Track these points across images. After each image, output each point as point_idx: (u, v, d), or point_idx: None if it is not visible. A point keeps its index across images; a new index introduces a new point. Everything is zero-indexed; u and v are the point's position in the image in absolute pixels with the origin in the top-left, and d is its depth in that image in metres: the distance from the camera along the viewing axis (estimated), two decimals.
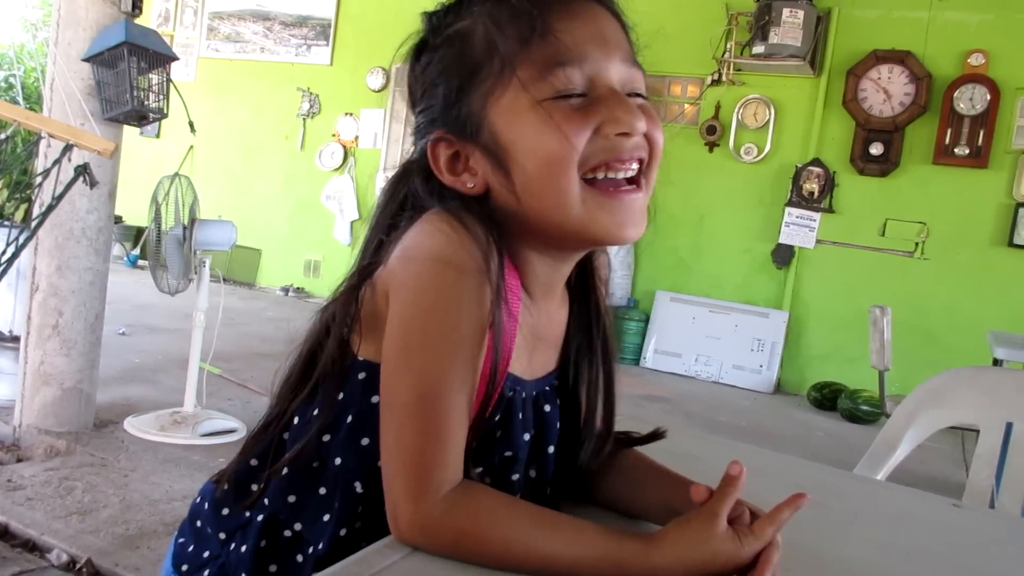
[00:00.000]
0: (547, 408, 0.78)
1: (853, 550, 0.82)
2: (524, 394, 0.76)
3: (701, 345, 5.78)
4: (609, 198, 0.70)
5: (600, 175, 0.70)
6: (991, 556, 0.86)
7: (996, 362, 3.24)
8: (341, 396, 0.75)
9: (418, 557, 0.64)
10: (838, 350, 5.53)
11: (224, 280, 4.09)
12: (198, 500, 0.85)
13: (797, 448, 4.26)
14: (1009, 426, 1.59)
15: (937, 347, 5.13)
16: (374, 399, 0.71)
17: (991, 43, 5.13)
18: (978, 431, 1.62)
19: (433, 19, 0.75)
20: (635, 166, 0.71)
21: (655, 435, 0.84)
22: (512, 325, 0.72)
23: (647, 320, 5.96)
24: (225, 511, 0.81)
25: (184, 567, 0.82)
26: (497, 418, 0.73)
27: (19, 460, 2.88)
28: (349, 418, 0.74)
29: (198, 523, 0.83)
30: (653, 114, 0.72)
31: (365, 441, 0.73)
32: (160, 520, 2.44)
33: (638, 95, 0.72)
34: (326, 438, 0.75)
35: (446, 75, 0.73)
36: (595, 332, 0.82)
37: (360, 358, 0.74)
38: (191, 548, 0.83)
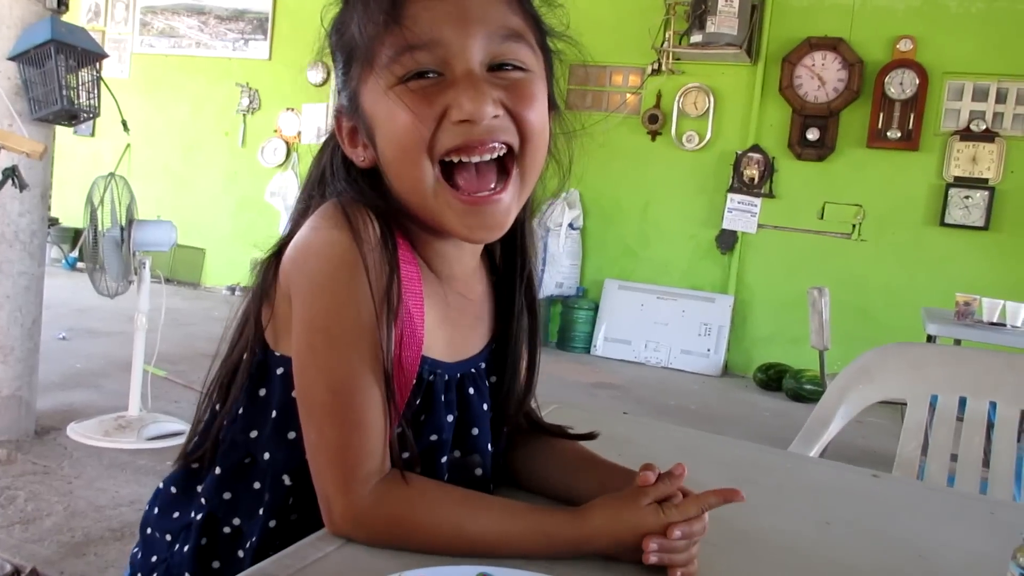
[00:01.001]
0: (471, 390, 0.79)
1: (773, 521, 0.86)
2: (447, 376, 0.76)
3: (650, 331, 5.87)
4: (460, 202, 0.70)
5: (455, 159, 0.69)
6: (905, 522, 0.91)
7: (929, 338, 3.36)
8: (263, 392, 0.76)
9: (351, 548, 0.66)
10: (782, 331, 5.66)
11: (168, 281, 4.02)
12: (147, 507, 0.85)
13: (744, 428, 4.37)
14: (934, 398, 1.66)
15: (875, 325, 5.28)
16: (294, 393, 0.72)
17: (918, 29, 5.29)
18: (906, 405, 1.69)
19: None
20: (497, 147, 0.69)
21: (588, 435, 0.85)
22: (417, 308, 0.72)
23: (596, 308, 6.03)
24: (175, 514, 0.81)
25: (138, 575, 0.82)
26: (418, 402, 0.74)
27: None
28: (273, 413, 0.74)
29: (148, 530, 0.84)
30: (527, 92, 0.70)
31: (291, 435, 0.73)
32: (107, 527, 2.41)
33: (517, 67, 0.70)
34: (253, 434, 0.76)
35: (338, 49, 0.75)
36: (517, 303, 0.82)
37: (277, 353, 0.75)
38: (141, 556, 0.83)
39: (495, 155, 0.70)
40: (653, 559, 0.66)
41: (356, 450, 0.67)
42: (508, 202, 0.71)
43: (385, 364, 0.68)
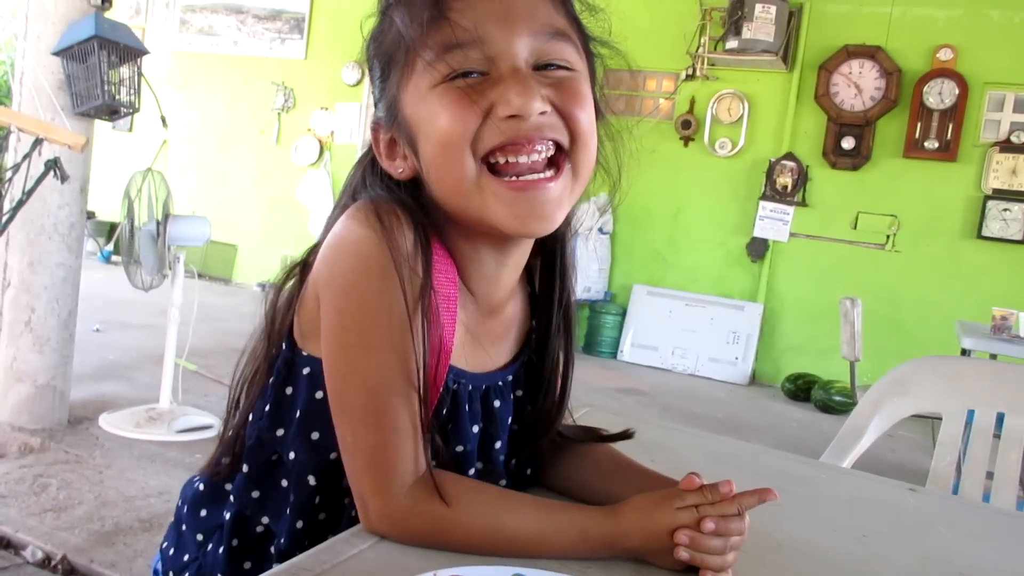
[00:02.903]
0: (496, 403, 0.78)
1: (808, 533, 0.85)
2: (470, 387, 0.75)
3: (677, 338, 5.83)
4: (507, 188, 0.67)
5: (501, 159, 0.67)
6: (943, 538, 0.89)
7: (964, 351, 3.31)
8: (289, 391, 0.75)
9: (386, 545, 0.66)
10: (812, 342, 5.60)
11: (200, 276, 4.07)
12: (179, 503, 0.85)
13: (771, 438, 4.32)
14: (970, 414, 1.63)
15: (907, 338, 5.21)
16: (318, 394, 0.72)
17: (959, 38, 5.20)
18: (941, 419, 1.66)
19: (378, 6, 0.75)
20: (544, 148, 0.67)
21: (624, 435, 0.84)
22: (450, 315, 0.71)
23: (624, 314, 6.00)
24: (203, 512, 0.82)
25: (169, 572, 0.82)
26: (444, 411, 0.73)
27: None
28: (298, 413, 0.74)
29: (182, 527, 0.83)
30: (574, 89, 0.68)
31: (315, 435, 0.73)
32: (136, 516, 2.44)
33: (561, 67, 0.68)
34: (280, 432, 0.75)
35: (376, 59, 0.74)
36: (554, 324, 0.81)
37: (304, 353, 0.74)
38: (172, 552, 0.83)
39: (544, 155, 0.68)
40: (684, 555, 0.65)
41: (392, 452, 0.66)
42: (559, 192, 0.68)
43: (419, 366, 0.67)
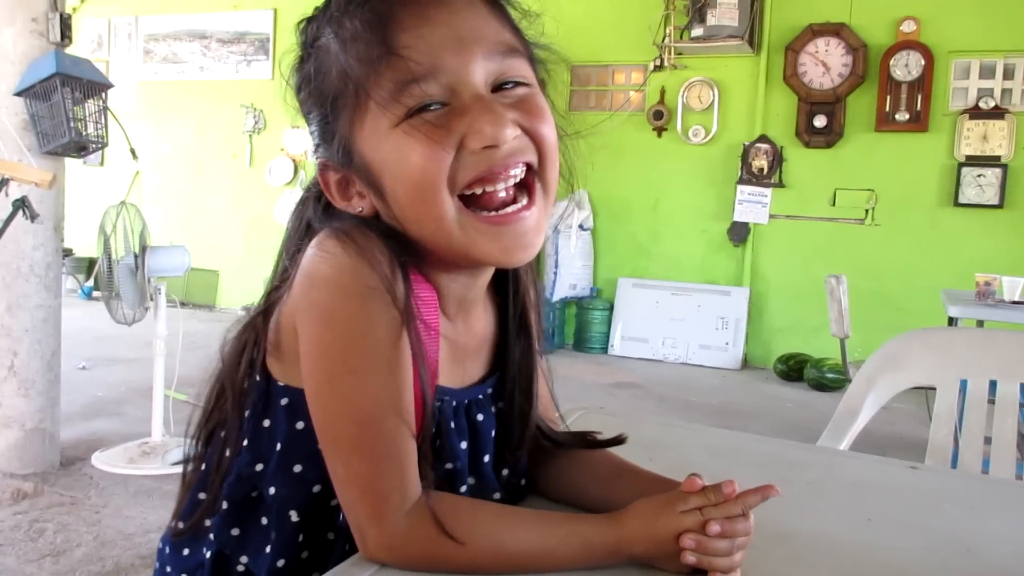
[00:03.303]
0: (480, 417, 0.77)
1: (814, 521, 0.84)
2: (455, 403, 0.74)
3: (666, 328, 5.84)
4: (489, 224, 0.66)
5: (477, 190, 0.66)
6: (949, 515, 0.89)
7: (951, 320, 3.33)
8: (267, 423, 0.73)
9: (386, 573, 0.65)
10: (800, 321, 5.62)
11: (183, 304, 4.04)
12: (160, 546, 0.83)
13: (768, 421, 4.33)
14: (963, 383, 1.64)
15: (894, 310, 5.24)
16: (299, 425, 0.70)
17: (921, 9, 5.24)
18: (935, 390, 1.66)
19: (299, 33, 0.71)
20: (518, 171, 0.67)
21: (616, 440, 0.83)
22: (433, 337, 0.70)
23: (611, 308, 6.00)
24: (185, 551, 0.79)
25: None
26: (432, 429, 0.71)
27: None
28: (278, 446, 0.71)
29: (167, 568, 0.81)
30: (537, 106, 0.67)
31: (297, 468, 0.71)
32: (136, 554, 2.41)
33: (519, 83, 0.67)
34: (259, 467, 0.73)
35: (315, 98, 0.69)
36: (511, 330, 0.80)
37: (281, 384, 0.72)
38: None
39: (517, 178, 0.67)
40: (691, 559, 0.64)
41: (387, 479, 0.65)
42: (537, 219, 0.68)
43: (408, 387, 0.66)
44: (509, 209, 0.67)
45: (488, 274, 0.77)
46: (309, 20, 0.70)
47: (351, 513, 0.66)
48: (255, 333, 0.73)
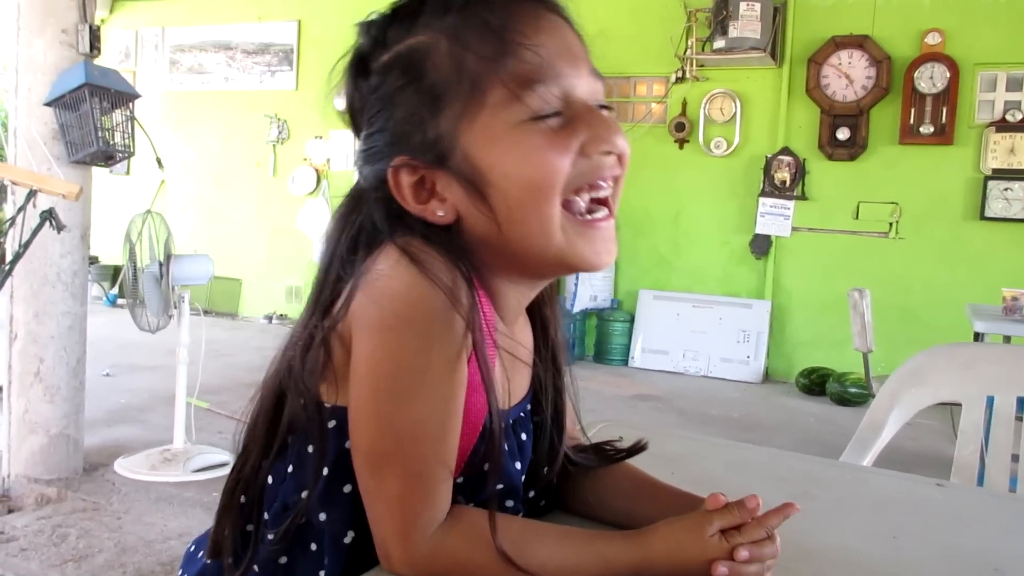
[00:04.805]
0: (523, 436, 0.76)
1: (838, 538, 0.83)
2: (504, 423, 0.73)
3: (687, 340, 5.81)
4: (586, 227, 0.68)
5: (580, 197, 0.67)
6: (976, 534, 0.88)
7: (977, 335, 3.28)
8: (311, 449, 0.70)
9: None
10: (823, 335, 5.57)
11: (206, 312, 4.07)
12: (182, 573, 0.81)
13: (789, 435, 4.29)
14: (990, 399, 1.61)
15: (918, 324, 5.18)
16: (347, 444, 0.68)
17: (946, 21, 5.20)
18: (961, 406, 1.64)
19: (374, 31, 0.70)
20: (609, 185, 0.69)
21: (637, 448, 0.82)
22: (494, 356, 0.69)
23: (632, 320, 5.98)
24: None
25: None
26: (483, 451, 0.70)
27: (10, 511, 2.85)
28: (326, 470, 0.69)
29: None
30: (621, 130, 0.70)
31: (347, 488, 0.69)
32: (156, 560, 2.43)
33: (604, 107, 0.69)
34: (304, 494, 0.69)
35: (405, 96, 0.67)
36: (546, 347, 0.80)
37: (328, 405, 0.70)
38: None
39: (609, 190, 0.69)
40: None
41: (417, 500, 0.64)
42: (613, 228, 0.71)
43: (451, 417, 0.65)
44: (599, 216, 0.69)
45: (541, 287, 0.77)
46: (387, 21, 0.69)
47: (376, 527, 0.66)
48: (306, 358, 0.69)
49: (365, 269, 0.66)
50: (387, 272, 0.64)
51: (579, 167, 0.66)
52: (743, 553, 0.64)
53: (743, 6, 5.25)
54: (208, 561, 0.77)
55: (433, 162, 0.67)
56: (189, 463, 3.12)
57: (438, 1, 0.67)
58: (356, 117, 0.72)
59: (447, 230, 0.68)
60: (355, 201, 0.73)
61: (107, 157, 2.93)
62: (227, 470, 0.77)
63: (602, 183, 0.68)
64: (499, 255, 0.69)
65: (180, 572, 0.83)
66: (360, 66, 0.70)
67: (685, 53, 5.69)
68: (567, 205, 0.67)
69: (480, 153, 0.65)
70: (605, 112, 0.69)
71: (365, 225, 0.70)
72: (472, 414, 0.68)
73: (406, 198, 0.68)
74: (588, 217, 0.68)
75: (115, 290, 7.34)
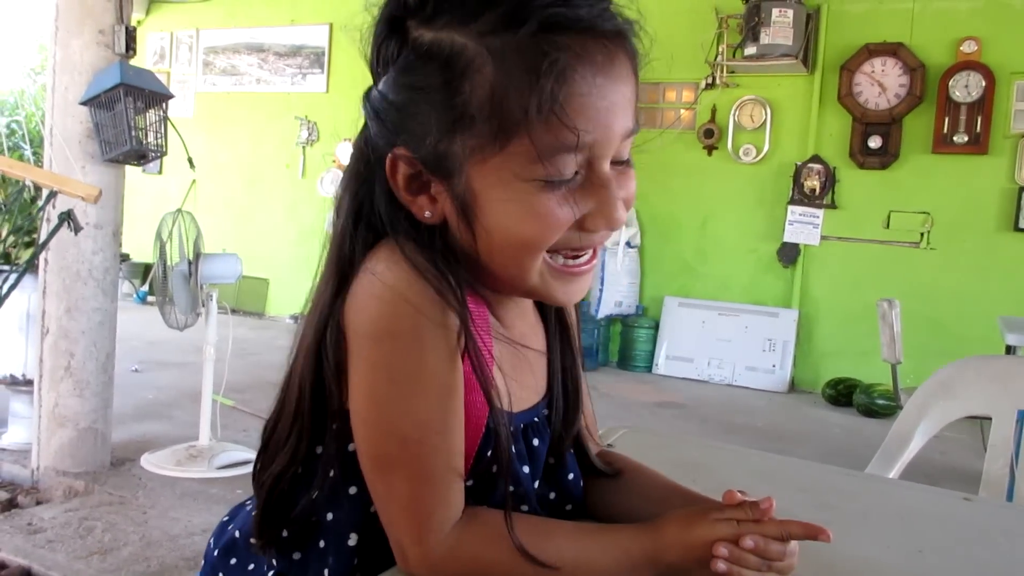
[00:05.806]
0: (536, 442, 0.76)
1: (862, 550, 0.82)
2: (512, 427, 0.73)
3: (712, 348, 5.77)
4: (564, 274, 0.68)
5: (561, 253, 0.67)
6: (1002, 549, 0.86)
7: (1008, 348, 3.23)
8: (319, 450, 0.71)
9: None
10: (850, 345, 5.51)
11: (233, 311, 4.11)
12: (210, 546, 0.83)
13: (814, 446, 4.24)
14: (1021, 413, 1.58)
15: (948, 336, 5.10)
16: (351, 447, 0.69)
17: (982, 29, 5.13)
18: (990, 419, 1.61)
19: (424, 23, 0.63)
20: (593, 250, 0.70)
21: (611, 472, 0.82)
22: (487, 355, 0.69)
23: (657, 327, 5.95)
24: (232, 560, 0.80)
25: None
26: (488, 453, 0.70)
27: (38, 503, 2.89)
28: (332, 472, 0.70)
29: (218, 574, 0.80)
30: (633, 188, 0.68)
31: (353, 490, 0.70)
32: (180, 556, 2.45)
33: (623, 162, 0.67)
34: (315, 494, 0.71)
35: (430, 97, 0.63)
36: (565, 351, 0.80)
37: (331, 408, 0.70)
38: None
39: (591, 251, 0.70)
40: (721, 567, 0.63)
41: (428, 501, 0.65)
42: (594, 268, 0.71)
43: (453, 414, 0.66)
44: (581, 262, 0.69)
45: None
46: (439, 17, 0.62)
47: (391, 529, 0.66)
48: (311, 363, 0.69)
49: (364, 268, 0.67)
50: (378, 272, 0.65)
51: (572, 234, 0.65)
52: (748, 541, 0.64)
53: (775, 12, 5.21)
54: (237, 535, 0.80)
55: (435, 171, 0.65)
56: (214, 460, 3.15)
57: (499, 17, 0.60)
58: (375, 63, 0.68)
59: (443, 230, 0.69)
60: (365, 171, 0.70)
61: (140, 156, 2.97)
62: (251, 467, 0.78)
63: (589, 247, 0.68)
64: (477, 269, 0.69)
65: (210, 540, 0.85)
66: (396, 22, 0.65)
67: (715, 59, 5.66)
68: (548, 253, 0.67)
69: (481, 188, 0.64)
70: (620, 171, 0.66)
71: (364, 208, 0.70)
72: (472, 414, 0.68)
73: (399, 185, 0.67)
74: (570, 263, 0.68)
75: (145, 287, 7.44)
